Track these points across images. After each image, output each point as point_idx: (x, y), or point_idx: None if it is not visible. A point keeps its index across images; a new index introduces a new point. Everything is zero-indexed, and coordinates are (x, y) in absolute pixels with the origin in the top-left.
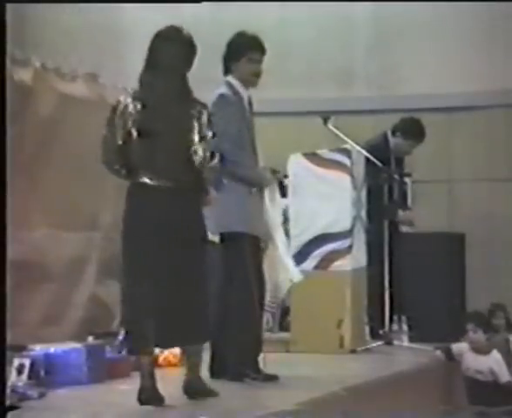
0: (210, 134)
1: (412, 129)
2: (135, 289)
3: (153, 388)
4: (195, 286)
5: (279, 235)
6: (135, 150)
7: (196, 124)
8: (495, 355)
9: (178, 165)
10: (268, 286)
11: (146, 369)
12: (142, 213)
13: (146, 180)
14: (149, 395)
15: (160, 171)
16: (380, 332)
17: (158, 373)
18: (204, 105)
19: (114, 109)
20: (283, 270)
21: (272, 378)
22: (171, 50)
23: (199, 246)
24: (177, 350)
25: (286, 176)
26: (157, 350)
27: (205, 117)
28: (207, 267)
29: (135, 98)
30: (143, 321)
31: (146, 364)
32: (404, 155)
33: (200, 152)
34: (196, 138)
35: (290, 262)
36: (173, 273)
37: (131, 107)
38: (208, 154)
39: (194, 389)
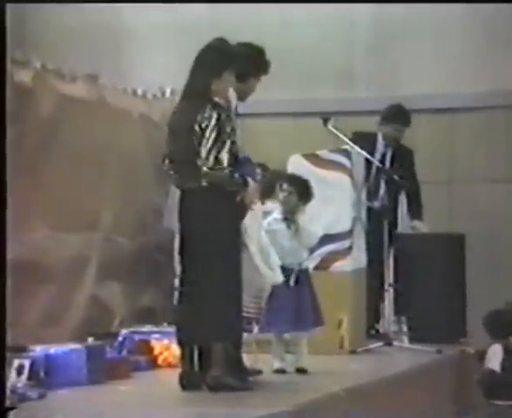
0: (213, 137)
1: (393, 112)
2: None
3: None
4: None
5: (253, 243)
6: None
7: (205, 128)
8: None
9: (188, 166)
10: (251, 292)
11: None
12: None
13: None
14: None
15: (176, 171)
16: (380, 332)
17: (158, 373)
18: (219, 110)
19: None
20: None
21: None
22: (197, 57)
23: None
24: (176, 350)
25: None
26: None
27: (213, 121)
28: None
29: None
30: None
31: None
32: (395, 142)
33: (203, 154)
34: (203, 141)
35: (265, 267)
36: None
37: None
38: (212, 157)
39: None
